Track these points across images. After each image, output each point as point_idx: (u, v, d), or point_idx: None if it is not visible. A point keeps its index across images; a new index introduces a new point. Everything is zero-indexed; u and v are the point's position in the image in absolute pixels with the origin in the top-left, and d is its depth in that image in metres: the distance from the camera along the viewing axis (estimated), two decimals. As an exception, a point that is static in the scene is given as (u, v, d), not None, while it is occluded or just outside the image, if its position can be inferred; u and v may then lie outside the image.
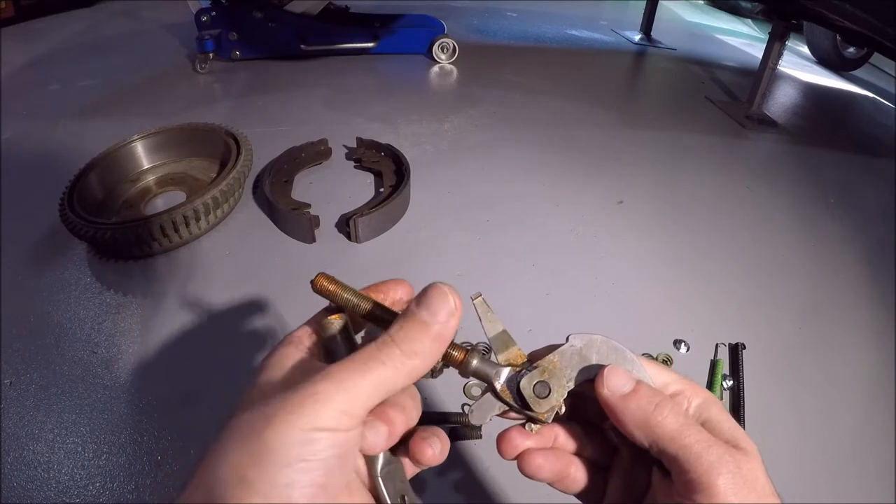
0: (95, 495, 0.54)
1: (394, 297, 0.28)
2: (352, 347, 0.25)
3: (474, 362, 0.27)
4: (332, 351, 0.25)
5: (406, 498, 0.25)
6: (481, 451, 0.61)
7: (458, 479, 0.58)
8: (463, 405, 0.65)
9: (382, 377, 0.21)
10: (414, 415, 0.26)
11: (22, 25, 1.89)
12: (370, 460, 0.24)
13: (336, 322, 0.25)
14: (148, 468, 0.57)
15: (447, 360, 0.26)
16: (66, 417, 0.61)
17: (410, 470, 0.27)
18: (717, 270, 0.93)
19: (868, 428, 0.70)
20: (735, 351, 0.76)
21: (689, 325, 0.80)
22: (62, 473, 0.56)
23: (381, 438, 0.23)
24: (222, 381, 0.66)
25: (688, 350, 0.76)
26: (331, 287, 0.26)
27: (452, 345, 0.26)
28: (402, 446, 0.26)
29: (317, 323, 0.26)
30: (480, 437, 0.61)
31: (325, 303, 0.27)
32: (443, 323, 0.23)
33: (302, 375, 0.23)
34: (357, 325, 0.29)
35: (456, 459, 0.60)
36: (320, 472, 0.20)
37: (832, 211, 1.17)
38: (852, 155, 1.47)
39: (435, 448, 0.25)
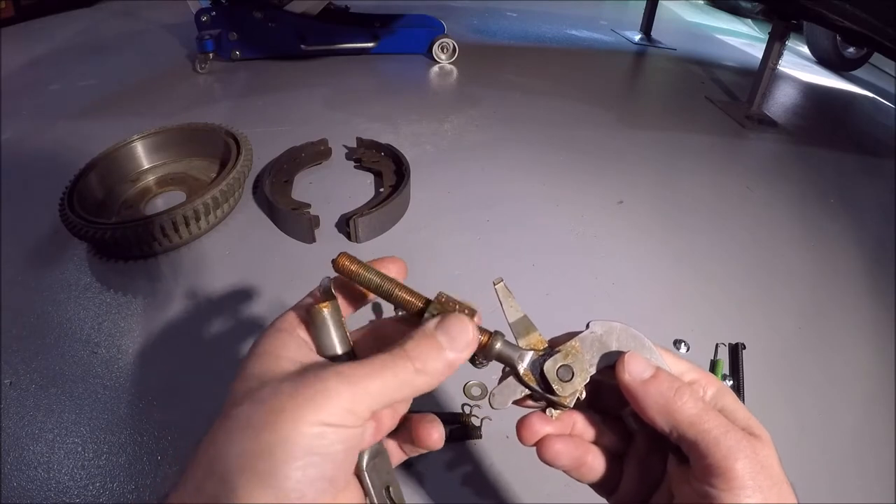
0: (95, 495, 0.54)
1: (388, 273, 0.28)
2: (343, 335, 0.25)
3: (497, 345, 0.27)
4: (322, 339, 0.25)
5: (391, 489, 0.25)
6: (482, 451, 0.61)
7: (458, 479, 0.58)
8: (463, 405, 0.65)
9: (391, 386, 0.22)
10: (402, 410, 0.26)
11: (22, 25, 1.89)
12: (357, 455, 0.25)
13: (325, 310, 0.25)
14: (148, 468, 0.57)
15: None
16: (66, 417, 0.61)
17: (396, 458, 0.28)
18: (717, 270, 0.93)
19: (868, 428, 0.70)
20: (735, 351, 0.76)
21: (689, 325, 0.80)
22: (62, 473, 0.56)
23: (367, 436, 0.24)
24: (222, 380, 0.65)
25: (688, 350, 0.76)
26: (353, 267, 0.26)
27: (476, 328, 0.26)
28: (394, 432, 0.27)
29: (304, 310, 0.25)
30: (480, 437, 0.61)
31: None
32: (458, 352, 0.23)
33: (306, 369, 0.22)
34: (346, 309, 0.28)
35: (456, 460, 0.60)
36: (330, 465, 0.20)
37: (832, 211, 1.17)
38: (852, 155, 1.47)
39: (441, 431, 0.26)
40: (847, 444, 0.68)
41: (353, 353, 0.25)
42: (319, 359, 0.25)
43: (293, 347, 0.24)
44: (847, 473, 0.64)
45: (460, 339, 0.23)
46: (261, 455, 0.19)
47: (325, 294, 0.26)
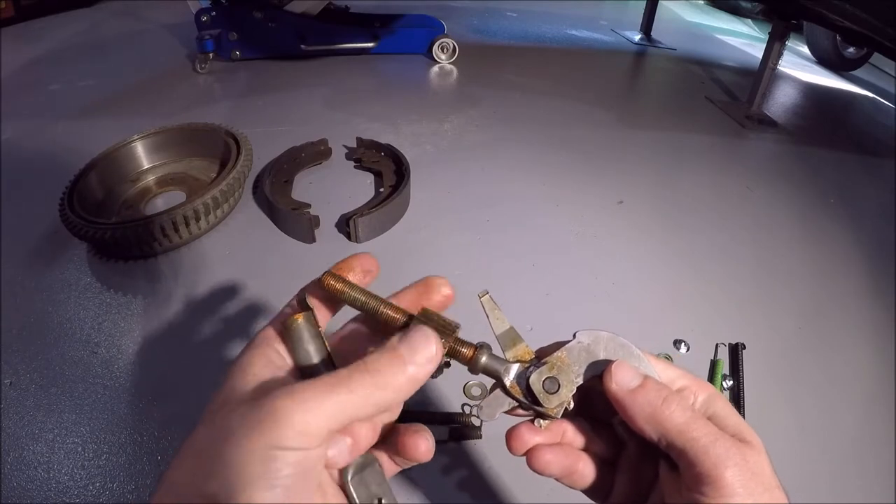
0: (95, 495, 0.54)
1: (361, 269, 0.28)
2: (320, 346, 0.25)
3: (483, 359, 0.27)
4: (298, 351, 0.25)
5: (383, 501, 0.24)
6: (482, 451, 0.61)
7: (458, 479, 0.58)
8: (463, 405, 0.65)
9: (348, 403, 0.21)
10: (382, 422, 0.26)
11: (22, 25, 1.89)
12: (340, 470, 0.24)
13: (299, 321, 0.25)
14: (148, 468, 0.57)
15: (457, 357, 0.26)
16: (66, 417, 0.61)
17: (391, 469, 0.27)
18: (717, 270, 0.93)
19: (868, 428, 0.70)
20: (735, 351, 0.76)
21: (689, 325, 0.80)
22: (62, 473, 0.56)
23: (343, 453, 0.23)
24: (222, 381, 0.66)
25: (688, 350, 0.76)
26: (338, 286, 0.26)
27: (461, 342, 0.26)
28: (383, 443, 0.26)
29: (281, 323, 0.25)
30: (480, 437, 0.61)
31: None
32: (419, 365, 0.22)
33: (264, 388, 0.22)
34: (327, 314, 0.28)
35: (456, 460, 0.60)
36: (281, 489, 0.19)
37: (832, 211, 1.17)
38: (852, 155, 1.47)
39: (429, 441, 0.26)
40: (847, 444, 0.68)
41: (331, 362, 0.25)
42: (283, 376, 0.24)
43: (260, 364, 0.24)
44: (847, 473, 0.64)
45: (423, 352, 0.22)
46: (209, 478, 0.19)
47: (301, 305, 0.27)
